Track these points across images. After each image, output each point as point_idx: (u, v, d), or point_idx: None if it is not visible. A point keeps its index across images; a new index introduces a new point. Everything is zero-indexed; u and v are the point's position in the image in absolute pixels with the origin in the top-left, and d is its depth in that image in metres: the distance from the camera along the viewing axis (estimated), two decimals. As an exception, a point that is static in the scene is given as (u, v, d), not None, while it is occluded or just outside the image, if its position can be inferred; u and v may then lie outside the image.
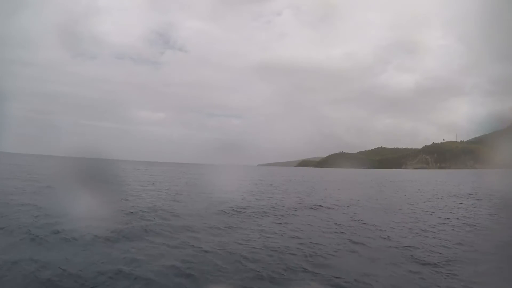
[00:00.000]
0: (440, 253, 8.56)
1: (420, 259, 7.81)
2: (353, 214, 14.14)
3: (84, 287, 5.68)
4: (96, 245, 7.84)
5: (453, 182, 45.28)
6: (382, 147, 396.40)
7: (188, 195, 19.12)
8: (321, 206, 15.98)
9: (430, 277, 6.78)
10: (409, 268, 7.19)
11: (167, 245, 8.02)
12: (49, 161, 75.75)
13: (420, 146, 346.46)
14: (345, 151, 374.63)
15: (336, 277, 6.37)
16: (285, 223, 11.36)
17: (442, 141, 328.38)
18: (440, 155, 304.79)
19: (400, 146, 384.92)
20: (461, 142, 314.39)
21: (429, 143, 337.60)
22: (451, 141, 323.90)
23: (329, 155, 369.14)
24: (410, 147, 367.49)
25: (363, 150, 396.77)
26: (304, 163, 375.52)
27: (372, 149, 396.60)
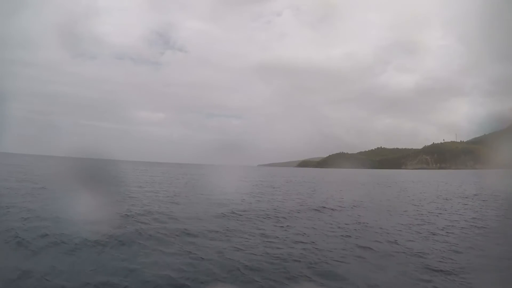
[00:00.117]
0: (451, 259, 8.08)
1: (431, 266, 7.32)
2: (358, 216, 13.64)
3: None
4: (85, 251, 7.35)
5: (455, 183, 44.78)
6: (382, 147, 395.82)
7: (186, 196, 18.63)
8: (324, 208, 15.47)
9: (444, 286, 6.31)
10: (420, 276, 6.71)
11: (162, 251, 7.52)
12: (48, 162, 75.37)
13: (420, 147, 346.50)
14: (345, 151, 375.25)
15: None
16: (287, 226, 10.84)
17: (442, 142, 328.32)
18: (440, 156, 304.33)
19: (400, 147, 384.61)
20: (461, 142, 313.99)
21: (429, 143, 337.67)
22: (451, 141, 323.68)
23: (329, 155, 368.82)
24: (410, 147, 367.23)
25: (363, 150, 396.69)
26: (304, 164, 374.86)
27: (372, 150, 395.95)
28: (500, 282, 6.92)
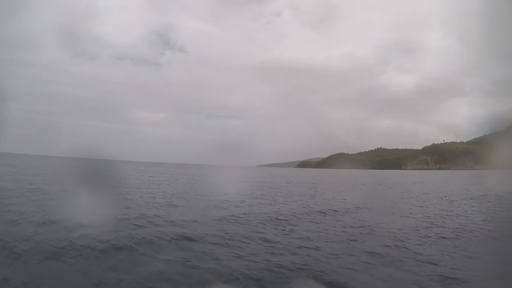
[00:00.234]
0: (465, 266, 7.57)
1: (445, 274, 6.80)
2: (362, 218, 13.11)
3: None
4: (72, 257, 6.83)
5: (457, 183, 44.29)
6: (382, 148, 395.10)
7: (185, 198, 18.08)
8: (327, 210, 14.91)
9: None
10: (435, 287, 6.20)
11: (154, 257, 6.99)
12: (47, 162, 74.84)
13: (420, 147, 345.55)
14: (345, 151, 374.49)
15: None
16: (290, 230, 10.28)
17: (442, 142, 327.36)
18: (440, 156, 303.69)
19: (400, 147, 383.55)
20: (461, 143, 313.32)
21: (429, 143, 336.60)
22: (451, 142, 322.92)
23: (329, 155, 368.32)
24: (410, 148, 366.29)
25: (363, 150, 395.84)
26: (304, 164, 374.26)
27: (372, 150, 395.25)
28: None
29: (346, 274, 6.55)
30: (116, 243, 7.83)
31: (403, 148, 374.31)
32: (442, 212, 15.86)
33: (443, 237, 10.12)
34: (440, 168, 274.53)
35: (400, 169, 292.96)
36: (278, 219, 12.10)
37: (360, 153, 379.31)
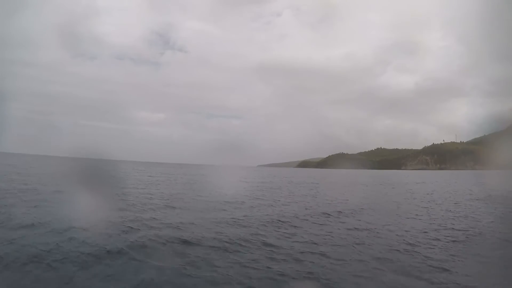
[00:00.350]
0: (480, 272, 7.08)
1: (462, 284, 6.29)
2: (367, 220, 12.59)
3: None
4: (57, 261, 6.33)
5: (459, 184, 43.81)
6: (382, 148, 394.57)
7: (183, 199, 17.54)
8: (330, 211, 14.37)
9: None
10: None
11: (148, 263, 6.47)
12: (47, 162, 74.29)
13: (420, 147, 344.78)
14: (345, 151, 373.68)
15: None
16: (292, 233, 9.74)
17: (442, 142, 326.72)
18: (440, 156, 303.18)
19: (400, 147, 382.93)
20: (461, 143, 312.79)
21: (429, 144, 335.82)
22: (451, 142, 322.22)
23: (329, 156, 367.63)
24: (410, 148, 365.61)
25: (363, 151, 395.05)
26: (304, 164, 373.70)
27: (372, 150, 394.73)
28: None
29: (355, 282, 6.05)
30: (106, 247, 7.31)
31: (403, 148, 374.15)
32: (448, 213, 15.36)
33: (454, 241, 9.62)
34: (440, 168, 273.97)
35: (400, 169, 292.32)
36: (279, 221, 11.57)
37: (360, 153, 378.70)
